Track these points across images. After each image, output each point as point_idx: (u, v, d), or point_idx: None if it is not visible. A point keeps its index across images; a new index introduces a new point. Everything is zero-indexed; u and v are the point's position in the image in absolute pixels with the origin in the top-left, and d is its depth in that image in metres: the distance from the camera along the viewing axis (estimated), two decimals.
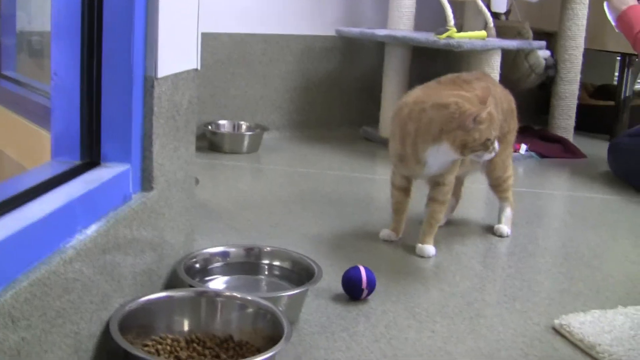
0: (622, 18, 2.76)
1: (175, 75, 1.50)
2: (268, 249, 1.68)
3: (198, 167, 2.68)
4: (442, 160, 1.85)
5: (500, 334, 1.51)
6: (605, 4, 2.86)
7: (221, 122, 3.23)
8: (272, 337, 1.26)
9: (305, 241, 2.00)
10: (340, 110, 3.60)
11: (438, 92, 1.85)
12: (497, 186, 2.16)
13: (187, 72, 1.58)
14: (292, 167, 2.89)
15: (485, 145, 1.76)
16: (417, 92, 1.92)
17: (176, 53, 1.51)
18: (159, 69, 1.38)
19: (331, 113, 3.57)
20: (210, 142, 3.08)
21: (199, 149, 2.96)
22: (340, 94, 3.58)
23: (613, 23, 2.84)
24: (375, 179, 2.83)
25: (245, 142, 3.06)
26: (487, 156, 1.81)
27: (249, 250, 1.67)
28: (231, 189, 2.57)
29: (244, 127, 3.24)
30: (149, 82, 1.37)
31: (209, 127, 3.12)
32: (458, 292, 1.73)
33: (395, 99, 3.20)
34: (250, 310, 1.34)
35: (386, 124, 3.31)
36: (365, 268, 1.63)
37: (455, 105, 1.74)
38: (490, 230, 2.19)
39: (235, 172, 2.79)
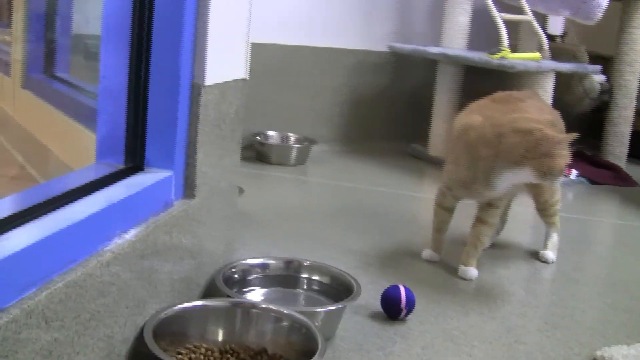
0: None
1: (223, 83, 1.50)
2: (308, 262, 1.67)
3: (243, 177, 2.71)
4: (513, 184, 1.83)
5: None
6: None
7: (269, 133, 3.23)
8: (306, 351, 1.24)
9: (346, 256, 1.98)
10: (390, 126, 3.59)
11: (502, 113, 1.82)
12: (544, 210, 2.12)
13: (236, 81, 1.58)
14: (338, 181, 2.88)
15: (563, 170, 1.74)
16: (478, 113, 1.88)
17: (225, 61, 1.51)
18: (206, 76, 1.38)
19: (380, 128, 3.56)
20: (257, 153, 3.08)
21: (246, 159, 3.01)
22: (390, 109, 3.57)
23: None
24: (421, 198, 2.80)
25: (293, 154, 3.06)
26: (559, 180, 1.78)
27: (288, 263, 1.66)
28: (275, 200, 2.57)
29: (292, 139, 3.23)
30: (196, 89, 1.37)
31: (257, 137, 3.12)
32: (498, 316, 1.70)
33: (446, 117, 3.19)
34: (285, 323, 1.33)
35: (436, 142, 3.29)
36: (405, 287, 1.61)
37: (540, 132, 1.71)
38: (535, 255, 2.15)
39: (280, 183, 2.79)
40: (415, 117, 3.58)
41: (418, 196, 2.82)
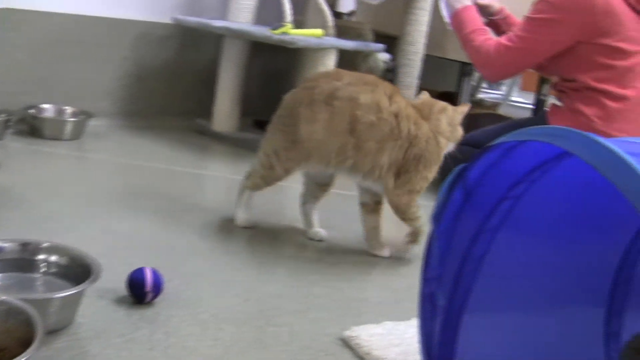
0: (456, 17, 2.78)
1: None
2: (46, 244, 1.55)
3: (10, 152, 2.55)
4: None
5: (287, 344, 1.45)
6: (441, 2, 2.88)
7: (45, 106, 3.04)
8: (27, 339, 1.14)
9: (107, 238, 1.89)
10: (175, 101, 3.48)
11: None
12: (325, 185, 2.13)
13: None
14: (116, 157, 2.75)
15: None
16: None
17: None
18: None
19: (165, 103, 3.45)
20: (30, 127, 2.90)
21: (18, 133, 2.84)
22: (176, 84, 3.47)
23: (447, 20, 2.86)
24: (202, 175, 2.73)
25: (67, 128, 2.90)
26: None
27: (24, 246, 1.53)
28: (41, 176, 2.42)
29: (68, 112, 3.07)
30: None
31: (31, 110, 2.94)
32: (254, 297, 1.66)
33: (231, 92, 3.13)
34: (1, 309, 1.22)
35: (220, 118, 3.24)
36: (152, 270, 1.53)
37: None
38: (302, 233, 2.14)
39: (51, 159, 2.63)
40: (201, 92, 3.49)
41: (199, 173, 2.74)
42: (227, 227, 2.10)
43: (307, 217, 2.15)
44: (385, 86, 2.00)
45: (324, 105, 1.93)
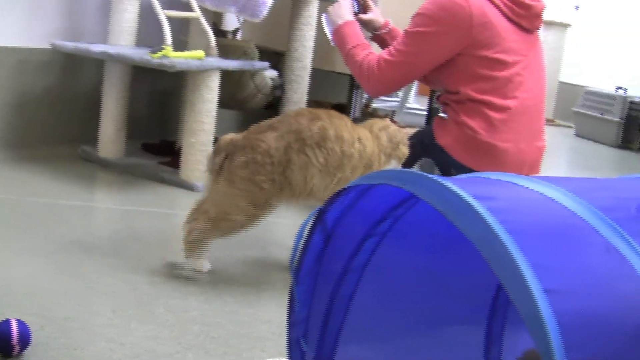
0: (338, 33, 2.77)
1: None
2: None
3: None
4: None
5: None
6: (323, 17, 2.86)
7: None
8: None
9: None
10: (59, 129, 3.37)
11: None
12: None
13: None
14: None
15: None
16: None
17: None
18: None
19: (49, 131, 3.34)
20: None
21: None
22: (59, 110, 3.36)
23: (329, 37, 2.83)
24: (88, 208, 2.62)
25: None
26: None
27: None
28: None
29: None
30: None
31: None
32: (130, 341, 1.60)
33: (115, 117, 3.05)
34: None
35: (106, 143, 3.15)
36: (19, 321, 1.46)
37: None
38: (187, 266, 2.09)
39: None
40: (85, 117, 3.39)
41: (84, 206, 2.63)
42: (104, 265, 2.02)
43: (197, 247, 2.08)
44: (340, 115, 2.08)
45: (318, 149, 1.93)
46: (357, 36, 2.73)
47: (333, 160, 1.96)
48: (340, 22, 2.77)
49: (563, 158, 5.79)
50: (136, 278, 1.96)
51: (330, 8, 2.83)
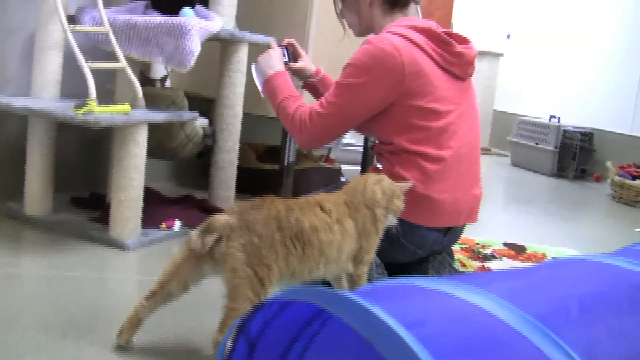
0: (268, 84, 2.71)
1: None
2: None
3: None
4: None
5: None
6: (253, 66, 2.79)
7: None
8: None
9: None
10: None
11: None
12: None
13: None
14: None
15: None
16: None
17: None
18: None
19: None
20: None
21: None
22: None
23: (259, 87, 2.77)
24: (14, 276, 2.49)
25: None
26: None
27: None
28: None
29: None
30: None
31: None
32: None
33: (41, 173, 2.95)
34: None
35: (32, 200, 3.04)
36: None
37: None
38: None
39: None
40: (9, 172, 3.27)
41: (9, 273, 2.48)
42: (28, 342, 1.91)
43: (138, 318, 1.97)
44: (314, 200, 2.04)
45: (296, 241, 1.89)
46: (288, 87, 2.68)
47: (312, 251, 1.93)
48: (270, 72, 2.72)
49: (499, 188, 5.81)
50: (60, 357, 1.86)
51: (260, 58, 2.77)
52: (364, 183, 2.14)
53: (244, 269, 1.76)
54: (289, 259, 1.88)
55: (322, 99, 2.53)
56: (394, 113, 2.48)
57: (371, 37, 2.50)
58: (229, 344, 1.01)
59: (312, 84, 2.94)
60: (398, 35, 2.46)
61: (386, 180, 2.17)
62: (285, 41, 2.90)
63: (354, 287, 2.17)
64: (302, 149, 2.73)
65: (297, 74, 2.90)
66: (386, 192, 2.13)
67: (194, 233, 1.79)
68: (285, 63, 2.81)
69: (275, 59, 2.76)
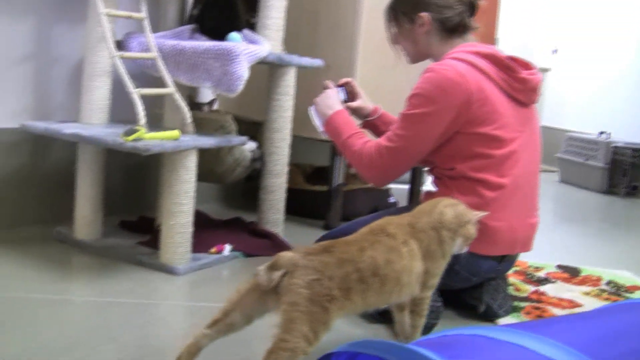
0: (330, 124, 2.68)
1: None
2: None
3: None
4: None
5: None
6: (311, 110, 2.77)
7: None
8: None
9: None
10: (31, 210, 3.27)
11: None
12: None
13: None
14: None
15: None
16: None
17: None
18: None
19: (20, 213, 3.23)
20: None
21: None
22: (31, 191, 3.26)
23: (320, 129, 2.75)
24: (63, 302, 2.49)
25: None
26: None
27: None
28: None
29: None
30: None
31: None
32: None
33: (91, 198, 2.96)
34: None
35: (81, 224, 3.05)
36: None
37: None
38: None
39: None
40: (59, 197, 3.30)
41: (59, 299, 2.46)
42: None
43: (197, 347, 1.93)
44: (379, 228, 2.00)
45: (374, 277, 1.87)
46: (350, 125, 2.66)
47: (389, 282, 1.91)
48: (330, 112, 2.69)
49: (549, 206, 5.72)
50: None
51: (317, 99, 2.75)
52: (435, 205, 2.10)
53: (306, 304, 1.73)
54: (367, 294, 1.86)
55: (390, 133, 2.49)
56: (457, 140, 2.44)
57: (433, 64, 2.45)
58: None
59: (371, 123, 2.90)
60: (462, 61, 2.42)
61: (462, 206, 2.12)
62: (342, 80, 2.87)
63: (415, 309, 2.14)
64: (374, 185, 2.69)
65: (356, 113, 2.86)
66: (459, 216, 2.08)
67: (262, 268, 1.79)
68: (344, 102, 2.78)
69: (332, 99, 2.74)
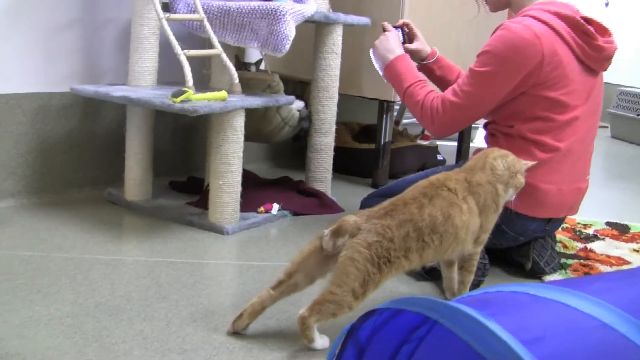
0: (390, 69, 2.67)
1: None
2: None
3: None
4: None
5: None
6: (371, 52, 2.76)
7: None
8: None
9: None
10: (83, 172, 3.32)
11: None
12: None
13: None
14: (17, 250, 2.55)
15: None
16: None
17: None
18: None
19: (73, 175, 3.29)
20: None
21: None
22: (83, 154, 3.30)
23: (380, 72, 2.73)
24: (116, 262, 2.54)
25: None
26: None
27: None
28: None
29: None
30: None
31: None
32: None
33: (140, 160, 3.00)
34: None
35: (131, 186, 3.09)
36: None
37: None
38: None
39: None
40: (109, 159, 3.35)
41: (112, 260, 2.51)
42: (132, 333, 1.94)
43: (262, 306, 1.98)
44: (440, 183, 2.02)
45: (433, 234, 1.91)
46: (412, 72, 2.63)
47: (447, 239, 1.94)
48: (390, 56, 2.67)
49: (599, 163, 5.63)
50: (165, 347, 1.88)
51: (377, 42, 2.72)
52: (485, 159, 2.10)
53: (364, 263, 1.76)
54: (424, 252, 1.89)
55: (456, 87, 2.46)
56: (521, 100, 2.40)
57: (508, 22, 2.40)
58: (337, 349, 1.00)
59: (428, 66, 2.88)
60: (539, 21, 2.36)
61: (511, 156, 2.11)
62: (400, 22, 2.84)
63: (465, 265, 2.16)
64: (434, 137, 2.69)
65: (412, 55, 2.83)
66: (510, 167, 2.08)
67: (326, 233, 1.81)
68: (402, 44, 2.76)
69: (393, 42, 2.71)
